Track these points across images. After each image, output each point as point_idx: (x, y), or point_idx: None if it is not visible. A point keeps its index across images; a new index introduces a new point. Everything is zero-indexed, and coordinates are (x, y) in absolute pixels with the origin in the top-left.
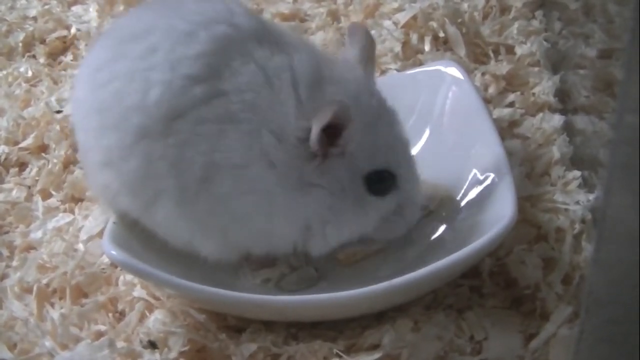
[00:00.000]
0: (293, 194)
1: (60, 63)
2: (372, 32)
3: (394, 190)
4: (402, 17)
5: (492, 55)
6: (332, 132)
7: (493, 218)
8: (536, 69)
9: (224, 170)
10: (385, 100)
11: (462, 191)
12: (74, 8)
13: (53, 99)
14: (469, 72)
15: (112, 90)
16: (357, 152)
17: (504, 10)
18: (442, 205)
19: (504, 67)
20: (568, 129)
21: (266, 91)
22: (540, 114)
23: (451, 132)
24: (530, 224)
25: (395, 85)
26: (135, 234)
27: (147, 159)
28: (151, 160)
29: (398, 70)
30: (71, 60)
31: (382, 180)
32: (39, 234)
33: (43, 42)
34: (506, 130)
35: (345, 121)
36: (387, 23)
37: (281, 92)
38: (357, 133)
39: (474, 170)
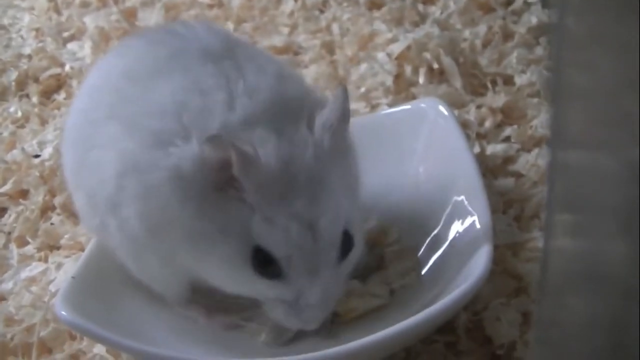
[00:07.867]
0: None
1: (53, 101)
2: (364, 65)
3: (281, 279)
4: (396, 48)
5: (489, 86)
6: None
7: (467, 270)
8: (535, 100)
9: None
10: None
11: (438, 238)
12: (69, 45)
13: (35, 142)
14: (464, 104)
15: None
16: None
17: (507, 36)
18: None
19: (500, 99)
20: None
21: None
22: (536, 150)
23: (432, 175)
24: (510, 275)
25: (376, 125)
26: (96, 290)
27: None
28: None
29: (389, 105)
30: (64, 99)
31: (267, 263)
32: (10, 285)
33: (37, 80)
34: (500, 167)
35: (244, 169)
36: (381, 55)
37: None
38: (260, 193)
39: (454, 216)
